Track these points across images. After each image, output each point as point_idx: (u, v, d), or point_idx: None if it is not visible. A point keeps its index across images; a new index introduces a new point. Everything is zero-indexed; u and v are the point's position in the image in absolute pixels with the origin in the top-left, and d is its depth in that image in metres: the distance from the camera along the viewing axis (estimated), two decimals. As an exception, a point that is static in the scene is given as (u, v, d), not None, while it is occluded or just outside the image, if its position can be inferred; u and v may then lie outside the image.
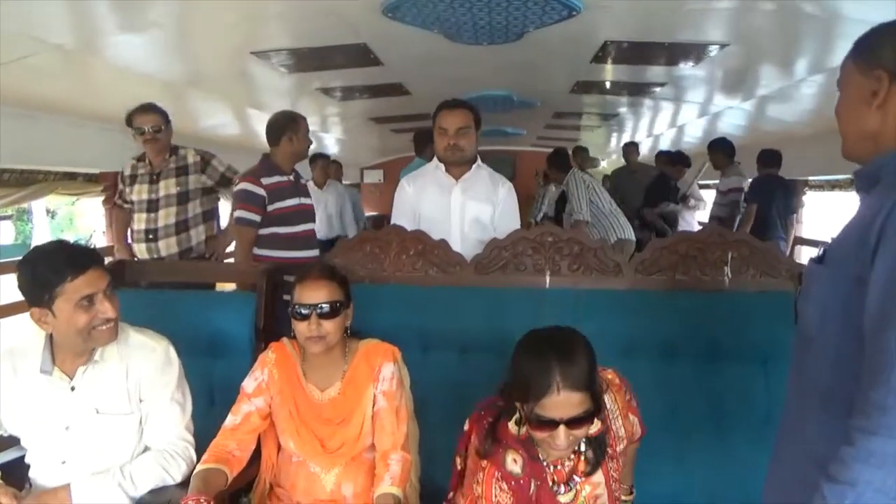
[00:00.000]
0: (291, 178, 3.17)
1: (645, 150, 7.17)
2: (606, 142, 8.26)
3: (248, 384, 1.82)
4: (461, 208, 2.61)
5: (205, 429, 1.79)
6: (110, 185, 3.77)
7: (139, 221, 3.23)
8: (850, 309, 1.04)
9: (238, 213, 3.01)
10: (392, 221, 2.69)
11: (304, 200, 3.20)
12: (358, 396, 1.79)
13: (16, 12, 2.25)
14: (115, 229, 3.60)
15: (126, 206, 3.34)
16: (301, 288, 1.75)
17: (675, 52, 3.37)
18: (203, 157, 3.33)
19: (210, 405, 2.08)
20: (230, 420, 1.79)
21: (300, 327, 1.73)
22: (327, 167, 5.92)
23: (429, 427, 1.95)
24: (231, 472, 1.71)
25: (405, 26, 2.87)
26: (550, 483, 1.49)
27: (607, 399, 1.50)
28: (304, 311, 1.71)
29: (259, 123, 5.15)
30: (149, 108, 3.16)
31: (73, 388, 1.68)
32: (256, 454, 1.84)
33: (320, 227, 4.68)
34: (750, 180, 5.17)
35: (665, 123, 6.05)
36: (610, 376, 1.57)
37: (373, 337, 1.87)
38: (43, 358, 1.67)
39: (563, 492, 1.49)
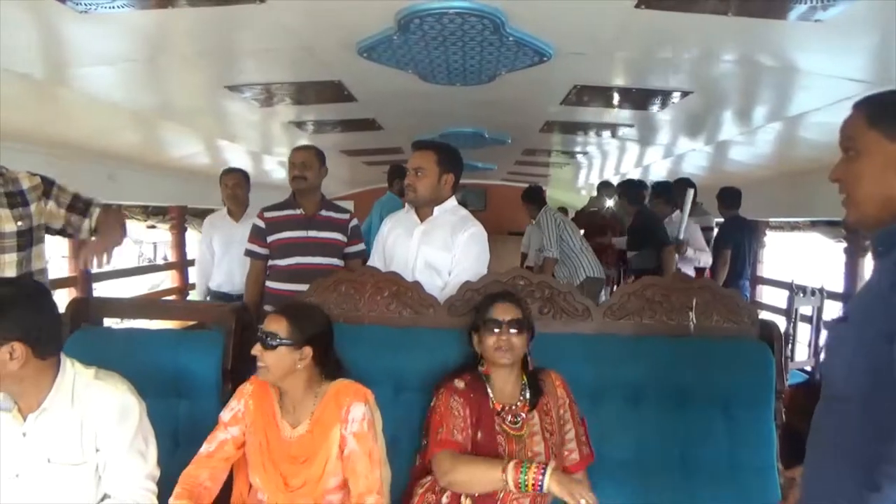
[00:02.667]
0: (300, 211, 3.17)
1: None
2: (574, 178, 8.41)
3: (225, 414, 1.87)
4: (416, 251, 2.61)
5: (168, 471, 1.75)
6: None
7: None
8: (879, 365, 1.06)
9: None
10: (369, 260, 2.76)
11: (309, 234, 3.16)
12: (324, 436, 1.80)
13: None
14: None
15: None
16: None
17: (641, 97, 3.48)
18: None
19: (175, 447, 2.05)
20: (205, 448, 1.82)
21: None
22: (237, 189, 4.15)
23: (398, 468, 1.95)
24: None
25: (380, 66, 2.91)
26: (490, 406, 1.90)
27: (554, 388, 1.96)
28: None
29: (230, 153, 5.16)
30: None
31: (24, 434, 1.61)
32: (226, 491, 1.81)
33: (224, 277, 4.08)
34: (716, 222, 5.29)
35: (631, 163, 6.19)
36: (554, 375, 1.99)
37: (344, 377, 1.88)
38: (3, 395, 1.61)
39: (510, 421, 1.89)
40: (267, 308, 3.02)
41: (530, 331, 1.97)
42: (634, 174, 6.74)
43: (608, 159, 6.24)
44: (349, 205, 9.76)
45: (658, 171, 6.10)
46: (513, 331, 1.91)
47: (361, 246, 3.31)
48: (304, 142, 4.98)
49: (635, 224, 5.00)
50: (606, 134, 4.77)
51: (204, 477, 1.79)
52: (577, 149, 5.87)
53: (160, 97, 3.43)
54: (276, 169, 6.44)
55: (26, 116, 3.09)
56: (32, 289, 1.65)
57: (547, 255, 5.06)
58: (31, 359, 1.57)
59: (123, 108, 3.40)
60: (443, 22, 2.28)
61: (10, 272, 2.13)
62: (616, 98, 3.59)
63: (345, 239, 3.21)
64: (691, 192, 4.77)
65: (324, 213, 3.21)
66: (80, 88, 2.98)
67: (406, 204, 2.74)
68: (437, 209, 2.63)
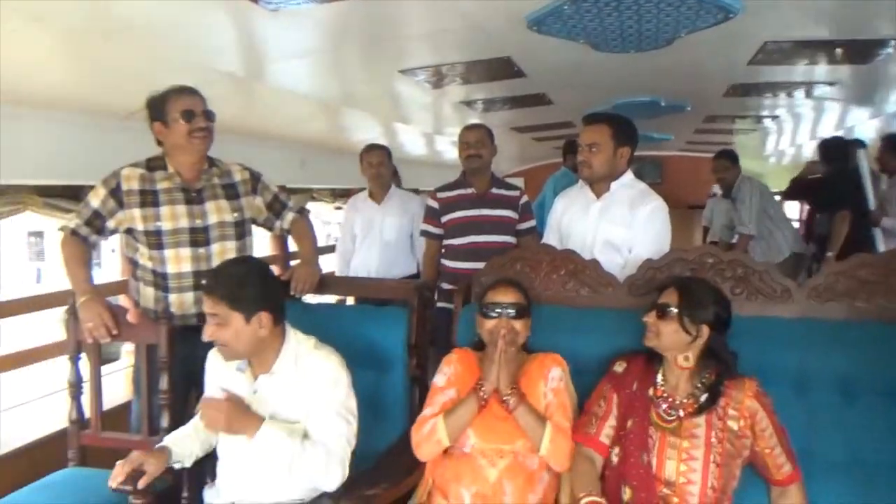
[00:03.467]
0: (472, 190, 3.23)
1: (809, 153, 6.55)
2: (761, 145, 7.70)
3: (439, 379, 1.99)
4: (595, 229, 2.53)
5: (364, 441, 1.87)
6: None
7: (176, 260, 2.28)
8: None
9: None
10: (543, 238, 2.74)
11: (482, 212, 3.21)
12: (532, 390, 1.90)
13: (194, 44, 2.50)
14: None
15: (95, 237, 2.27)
16: (492, 292, 1.99)
17: (846, 50, 3.08)
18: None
19: (367, 415, 2.14)
20: (428, 410, 1.93)
21: (488, 325, 1.94)
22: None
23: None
24: None
25: (550, 38, 2.84)
26: (657, 396, 1.79)
27: (742, 398, 1.73)
28: (495, 313, 1.94)
29: (404, 135, 5.37)
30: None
31: (254, 392, 1.83)
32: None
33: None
34: None
35: (831, 125, 5.53)
36: (749, 384, 1.75)
37: None
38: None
39: (665, 412, 1.77)
40: (444, 286, 3.12)
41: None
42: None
43: (802, 122, 5.61)
44: (519, 181, 9.84)
45: (865, 133, 5.38)
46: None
47: (533, 222, 3.29)
48: (474, 120, 5.05)
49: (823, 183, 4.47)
50: (800, 94, 4.30)
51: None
52: (765, 113, 5.36)
53: (342, 85, 3.64)
54: (448, 149, 6.60)
55: (229, 110, 3.43)
56: (258, 264, 1.92)
57: (742, 231, 4.59)
58: (272, 326, 1.79)
59: (311, 97, 3.65)
60: (618, -15, 2.17)
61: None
62: (815, 53, 3.21)
63: (516, 216, 3.21)
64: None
65: (494, 190, 3.23)
66: (274, 82, 3.24)
67: (580, 180, 2.67)
68: (613, 184, 2.53)
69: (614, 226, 2.50)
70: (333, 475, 1.76)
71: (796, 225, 5.42)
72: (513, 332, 1.91)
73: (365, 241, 3.90)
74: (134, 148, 2.32)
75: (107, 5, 2.02)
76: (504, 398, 1.84)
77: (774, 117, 5.49)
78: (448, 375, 1.99)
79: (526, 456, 1.86)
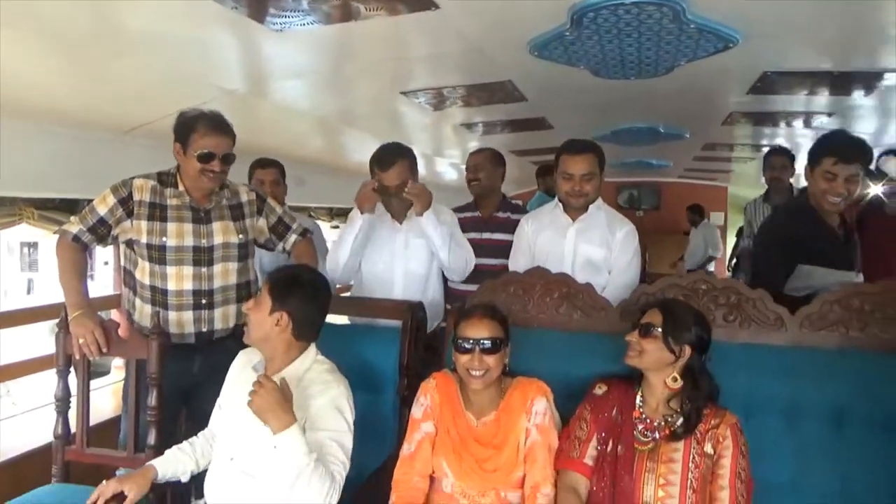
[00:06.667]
0: (478, 213, 3.26)
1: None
2: (760, 173, 7.73)
3: (416, 411, 1.94)
4: (573, 250, 2.59)
5: (351, 460, 1.81)
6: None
7: (178, 278, 2.26)
8: None
9: None
10: (511, 260, 2.77)
11: (483, 235, 3.20)
12: (512, 424, 1.85)
13: (196, 61, 2.52)
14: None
15: (99, 245, 2.29)
16: (465, 324, 1.89)
17: (844, 81, 3.10)
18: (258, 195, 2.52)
19: (360, 437, 2.11)
20: (406, 449, 1.91)
21: (462, 360, 1.86)
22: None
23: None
24: None
25: (551, 63, 2.87)
26: (635, 417, 1.79)
27: (717, 430, 1.71)
28: (466, 346, 1.85)
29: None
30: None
31: None
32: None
33: None
34: None
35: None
36: (729, 418, 1.73)
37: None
38: (261, 359, 1.88)
39: (641, 433, 1.76)
40: (449, 307, 3.07)
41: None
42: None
43: (801, 152, 5.64)
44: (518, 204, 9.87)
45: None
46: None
47: None
48: (474, 143, 5.08)
49: None
50: (798, 124, 4.32)
51: (416, 480, 1.86)
52: (765, 141, 5.37)
53: (342, 104, 3.66)
54: (447, 171, 6.62)
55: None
56: (320, 284, 1.91)
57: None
58: (289, 333, 1.82)
59: (312, 116, 3.68)
60: (618, 14, 2.18)
61: (233, 279, 2.34)
62: (812, 83, 3.23)
63: None
64: None
65: (501, 214, 3.25)
66: (276, 101, 3.27)
67: (558, 202, 2.69)
68: (591, 207, 2.61)
69: (594, 246, 2.59)
70: (321, 497, 1.69)
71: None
72: (484, 365, 1.84)
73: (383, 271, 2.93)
74: (133, 163, 2.33)
75: (111, 21, 2.04)
76: None
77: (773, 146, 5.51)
78: (425, 407, 1.93)
79: (509, 491, 1.83)
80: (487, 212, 3.27)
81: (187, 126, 2.21)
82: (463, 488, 1.83)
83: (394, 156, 2.62)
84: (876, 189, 3.07)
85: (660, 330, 1.76)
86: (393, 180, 2.58)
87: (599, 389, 1.89)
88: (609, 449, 1.79)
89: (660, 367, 1.77)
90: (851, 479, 1.81)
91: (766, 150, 5.70)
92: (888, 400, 1.84)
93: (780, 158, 4.10)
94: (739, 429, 1.72)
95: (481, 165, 3.27)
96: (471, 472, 1.83)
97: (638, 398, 1.83)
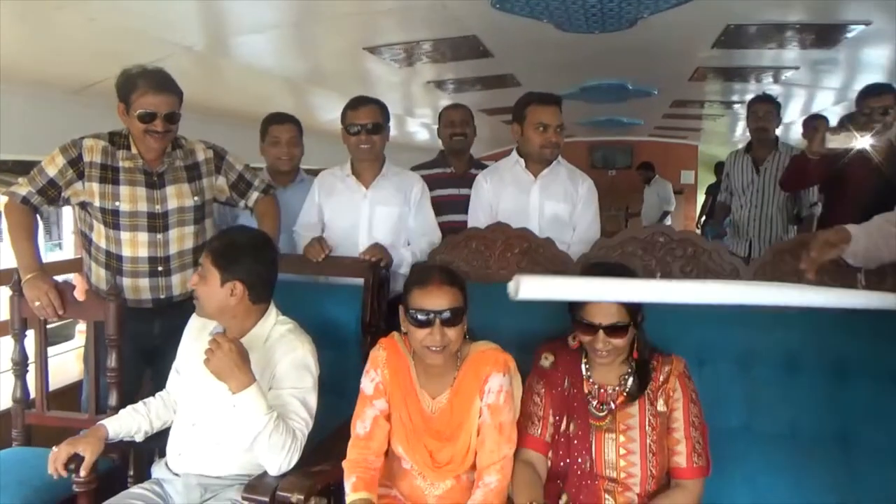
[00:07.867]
0: (451, 169, 3.23)
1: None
2: (730, 131, 7.78)
3: (367, 386, 1.79)
4: (539, 206, 2.57)
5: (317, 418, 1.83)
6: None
7: (132, 244, 2.22)
8: None
9: None
10: (470, 216, 2.69)
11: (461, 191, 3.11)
12: (465, 410, 1.73)
13: (150, 16, 2.43)
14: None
15: (49, 207, 2.21)
16: (421, 293, 1.67)
17: (808, 34, 3.10)
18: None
19: (323, 395, 2.10)
20: (360, 427, 1.77)
21: (418, 335, 1.66)
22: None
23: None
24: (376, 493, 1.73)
25: (514, 17, 2.83)
26: (587, 391, 1.74)
27: (668, 378, 1.70)
28: (422, 318, 1.65)
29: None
30: None
31: None
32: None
33: None
34: None
35: (797, 111, 5.59)
36: (676, 362, 1.73)
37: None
38: (217, 324, 1.82)
39: (596, 408, 1.72)
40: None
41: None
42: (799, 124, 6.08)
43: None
44: (491, 164, 9.85)
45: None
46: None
47: None
48: (444, 102, 5.01)
49: None
50: (767, 79, 4.33)
51: (372, 459, 1.75)
52: (734, 98, 5.40)
53: (307, 62, 3.59)
54: (419, 131, 6.55)
55: (191, 87, 3.36)
56: (262, 241, 1.89)
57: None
58: (246, 300, 1.80)
59: (275, 74, 3.59)
60: (577, -38, 2.16)
61: (189, 244, 2.29)
62: (777, 37, 3.22)
63: None
64: None
65: (473, 171, 3.21)
66: (238, 59, 3.19)
67: (516, 158, 2.64)
68: (552, 163, 2.59)
69: (559, 202, 2.57)
70: (289, 462, 1.70)
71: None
72: (446, 340, 1.65)
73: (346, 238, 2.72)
74: (86, 122, 2.26)
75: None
76: None
77: (742, 102, 5.53)
78: (376, 383, 1.77)
79: (468, 472, 1.75)
80: (462, 168, 3.25)
81: (128, 85, 2.13)
82: (423, 472, 1.77)
83: (367, 99, 2.64)
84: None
85: (629, 323, 1.65)
86: (365, 118, 2.56)
87: (546, 360, 1.80)
88: (563, 428, 1.73)
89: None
90: (800, 420, 1.87)
91: (736, 106, 5.74)
92: (836, 346, 1.89)
93: (765, 105, 3.74)
94: (688, 375, 1.72)
95: (467, 121, 3.27)
96: (423, 464, 1.75)
97: (583, 368, 1.77)
